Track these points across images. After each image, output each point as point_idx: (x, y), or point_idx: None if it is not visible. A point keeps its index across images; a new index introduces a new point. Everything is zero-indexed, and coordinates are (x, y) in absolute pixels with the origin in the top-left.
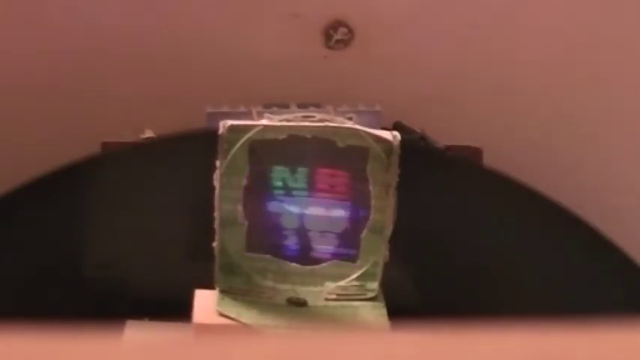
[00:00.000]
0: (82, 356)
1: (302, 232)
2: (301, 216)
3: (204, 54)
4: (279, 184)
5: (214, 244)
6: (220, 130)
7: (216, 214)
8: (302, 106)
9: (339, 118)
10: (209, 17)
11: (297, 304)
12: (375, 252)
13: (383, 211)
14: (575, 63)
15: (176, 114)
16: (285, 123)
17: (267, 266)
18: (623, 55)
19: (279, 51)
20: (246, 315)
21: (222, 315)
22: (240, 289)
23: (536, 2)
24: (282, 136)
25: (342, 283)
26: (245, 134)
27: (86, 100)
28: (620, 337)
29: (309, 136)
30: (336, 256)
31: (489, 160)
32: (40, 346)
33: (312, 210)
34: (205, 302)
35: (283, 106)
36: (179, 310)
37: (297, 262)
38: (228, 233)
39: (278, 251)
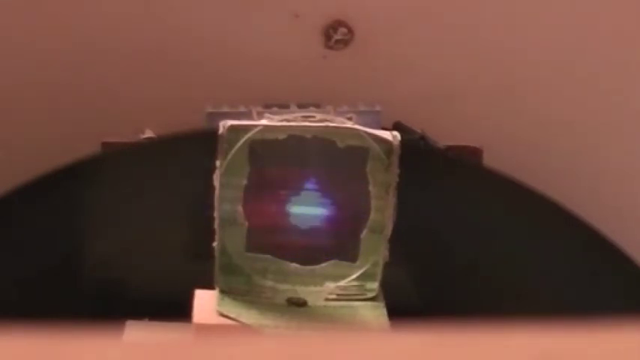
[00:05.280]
0: (82, 356)
1: (302, 232)
2: (301, 216)
3: (204, 54)
4: (279, 184)
5: (214, 244)
6: (220, 130)
7: (216, 214)
8: (302, 106)
9: (339, 118)
10: (209, 17)
11: (297, 304)
12: (375, 252)
13: (383, 211)
14: (575, 63)
15: (176, 114)
16: (285, 123)
17: (267, 266)
18: (623, 55)
19: (279, 51)
20: (246, 315)
21: (222, 315)
22: (240, 289)
23: (536, 2)
24: (282, 136)
25: (342, 283)
26: (245, 134)
27: (86, 99)
28: (620, 337)
29: (309, 136)
30: (336, 256)
31: (489, 160)
32: (40, 346)
33: (312, 210)
34: (205, 302)
35: (283, 106)
36: (179, 310)
37: (297, 262)
38: (228, 233)
39: (278, 251)
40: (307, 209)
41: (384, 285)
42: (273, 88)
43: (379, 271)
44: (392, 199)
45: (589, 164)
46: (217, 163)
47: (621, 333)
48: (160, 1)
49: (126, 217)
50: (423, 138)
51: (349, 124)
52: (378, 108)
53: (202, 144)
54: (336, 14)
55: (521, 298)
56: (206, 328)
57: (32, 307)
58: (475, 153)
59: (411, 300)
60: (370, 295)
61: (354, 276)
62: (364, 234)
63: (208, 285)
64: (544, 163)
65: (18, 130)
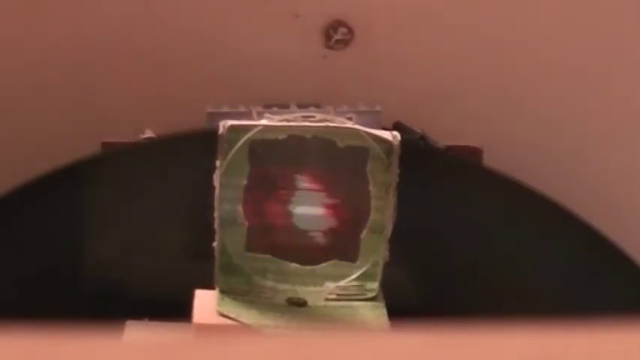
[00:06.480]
0: (82, 356)
1: (302, 232)
2: (301, 216)
3: (204, 54)
4: (279, 184)
5: (214, 244)
6: (220, 130)
7: (216, 214)
8: (302, 106)
9: (339, 118)
10: (209, 17)
11: (297, 304)
12: (375, 252)
13: (383, 211)
14: (575, 63)
15: (176, 114)
16: (285, 123)
17: (267, 266)
18: (623, 55)
19: (279, 51)
20: (246, 315)
21: (222, 315)
22: (240, 289)
23: (536, 2)
24: (282, 136)
25: (342, 283)
26: (245, 134)
27: (86, 99)
28: (620, 337)
29: (309, 136)
30: (336, 256)
31: (489, 160)
32: (40, 346)
33: (312, 210)
34: (205, 302)
35: (283, 106)
36: (179, 310)
37: (297, 262)
38: (228, 233)
39: (278, 251)
40: (307, 209)
41: (384, 285)
42: (273, 88)
43: (379, 271)
44: (392, 199)
45: (589, 164)
46: (217, 163)
47: (621, 333)
48: (160, 1)
49: (126, 217)
50: (423, 138)
51: (349, 124)
52: (378, 108)
53: (202, 144)
54: (336, 14)
55: (521, 299)
56: (206, 328)
57: (32, 307)
58: (475, 153)
59: (411, 300)
60: (370, 295)
61: (354, 276)
62: (364, 234)
63: (208, 285)
64: (544, 163)
65: (18, 130)
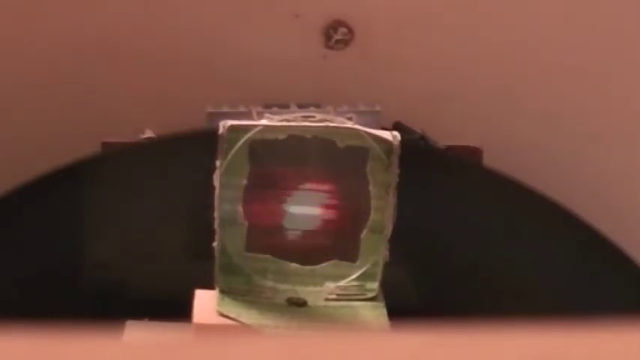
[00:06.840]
0: (82, 356)
1: (302, 232)
2: (301, 216)
3: (204, 54)
4: (279, 184)
5: (214, 244)
6: (220, 130)
7: (216, 214)
8: (302, 106)
9: (339, 118)
10: (209, 17)
11: (297, 304)
12: (375, 252)
13: (383, 211)
14: (575, 63)
15: (176, 114)
16: (285, 123)
17: (267, 266)
18: (623, 55)
19: (279, 51)
20: (246, 315)
21: (222, 315)
22: (240, 289)
23: (536, 2)
24: (282, 136)
25: (342, 283)
26: (245, 134)
27: (86, 99)
28: (620, 337)
29: (309, 136)
30: (336, 256)
31: (489, 160)
32: (40, 346)
33: (312, 210)
34: (205, 302)
35: (283, 106)
36: (179, 310)
37: (297, 262)
38: (228, 233)
39: (278, 251)
40: (307, 209)
41: (384, 285)
42: (273, 88)
43: (379, 271)
44: (392, 199)
45: (589, 164)
46: (217, 163)
47: (621, 333)
48: (161, 1)
49: (126, 217)
50: (423, 138)
51: (349, 124)
52: (378, 108)
53: (202, 144)
54: (336, 14)
55: (521, 299)
56: (206, 328)
57: (32, 307)
58: (475, 153)
59: (411, 300)
60: (370, 295)
61: (354, 276)
62: (364, 234)
63: (208, 285)
64: (544, 163)
65: (18, 130)
